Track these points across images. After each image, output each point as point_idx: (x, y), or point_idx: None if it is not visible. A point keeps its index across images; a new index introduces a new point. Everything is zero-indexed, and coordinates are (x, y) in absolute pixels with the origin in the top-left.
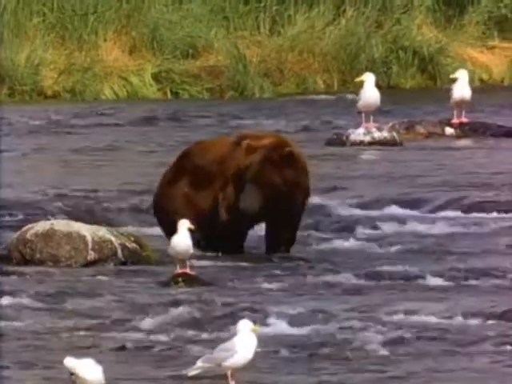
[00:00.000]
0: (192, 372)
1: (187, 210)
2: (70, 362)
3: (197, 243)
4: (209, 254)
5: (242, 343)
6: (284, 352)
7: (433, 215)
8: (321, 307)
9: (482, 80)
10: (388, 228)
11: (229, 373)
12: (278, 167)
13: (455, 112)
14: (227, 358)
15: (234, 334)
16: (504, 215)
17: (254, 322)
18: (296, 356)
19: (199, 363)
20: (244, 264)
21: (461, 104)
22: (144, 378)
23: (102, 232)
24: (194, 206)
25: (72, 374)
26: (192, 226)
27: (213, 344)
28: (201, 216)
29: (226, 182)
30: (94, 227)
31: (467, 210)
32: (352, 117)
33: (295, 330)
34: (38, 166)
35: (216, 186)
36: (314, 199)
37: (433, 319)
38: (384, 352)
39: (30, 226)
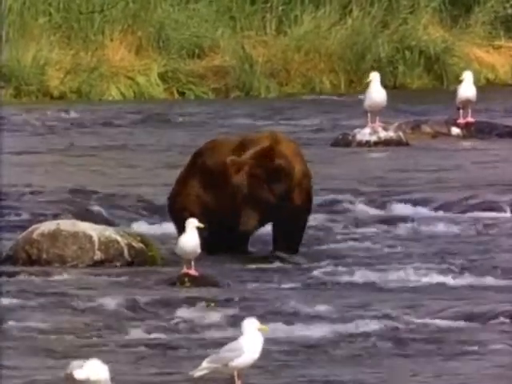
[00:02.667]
0: (198, 373)
1: (197, 209)
2: (77, 365)
3: (205, 242)
4: (216, 253)
5: (249, 343)
6: (290, 351)
7: (439, 215)
8: (326, 307)
9: (488, 80)
10: (394, 227)
11: (235, 373)
12: (266, 183)
13: (461, 112)
14: (234, 358)
15: (241, 334)
16: (510, 215)
17: (260, 321)
18: (302, 355)
19: (205, 364)
20: (250, 264)
21: (466, 104)
22: (150, 379)
23: (109, 232)
24: (203, 205)
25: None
26: (200, 225)
27: (219, 344)
28: (209, 215)
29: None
30: (101, 227)
31: (473, 209)
32: (358, 117)
33: (302, 330)
34: (44, 166)
35: (223, 188)
36: (321, 199)
37: (439, 319)
38: (389, 352)
39: (36, 226)
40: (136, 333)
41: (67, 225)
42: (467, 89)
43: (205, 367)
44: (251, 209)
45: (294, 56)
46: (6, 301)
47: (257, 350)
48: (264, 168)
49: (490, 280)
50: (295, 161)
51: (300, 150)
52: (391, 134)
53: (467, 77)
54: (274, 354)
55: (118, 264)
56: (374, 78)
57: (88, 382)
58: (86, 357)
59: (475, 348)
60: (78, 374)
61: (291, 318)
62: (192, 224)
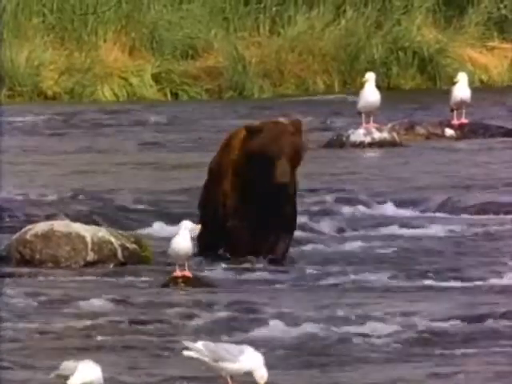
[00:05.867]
0: (188, 352)
1: (203, 208)
2: (67, 365)
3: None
4: (209, 254)
5: (246, 356)
6: (284, 353)
7: (432, 216)
8: (321, 308)
9: (481, 81)
10: (387, 228)
11: (228, 376)
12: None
13: (455, 113)
14: (225, 361)
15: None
16: (504, 216)
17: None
18: (296, 357)
19: (200, 346)
20: (244, 265)
21: (460, 105)
22: (143, 379)
23: (102, 233)
24: (208, 202)
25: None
26: (196, 227)
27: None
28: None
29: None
30: (94, 228)
31: (467, 210)
32: (352, 118)
33: (294, 331)
34: (37, 167)
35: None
36: (314, 200)
37: (432, 320)
38: (386, 353)
39: (29, 226)
40: (129, 333)
41: (60, 226)
42: (461, 90)
43: (198, 349)
44: (286, 159)
45: (287, 57)
46: None
47: (251, 365)
48: (287, 123)
49: (485, 281)
50: None
51: None
52: (385, 134)
53: (462, 78)
54: (268, 356)
55: (112, 265)
56: (370, 78)
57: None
58: (79, 357)
59: (474, 349)
60: (73, 381)
61: (284, 319)
62: (185, 226)
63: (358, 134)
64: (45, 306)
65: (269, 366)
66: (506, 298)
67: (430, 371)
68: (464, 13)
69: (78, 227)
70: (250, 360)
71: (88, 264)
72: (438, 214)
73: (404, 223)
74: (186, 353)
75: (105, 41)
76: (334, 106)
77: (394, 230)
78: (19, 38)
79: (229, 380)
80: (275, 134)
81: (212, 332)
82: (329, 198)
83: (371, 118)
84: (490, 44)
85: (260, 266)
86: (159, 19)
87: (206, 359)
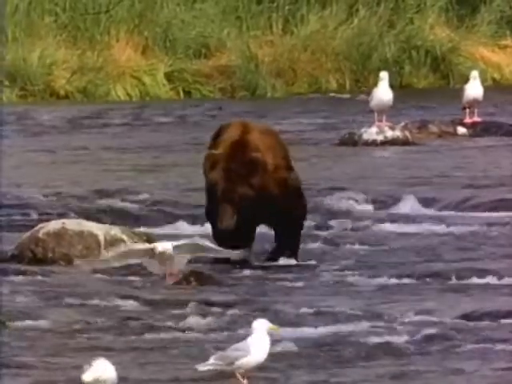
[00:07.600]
0: (203, 368)
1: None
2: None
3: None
4: (220, 254)
5: (256, 344)
6: (293, 351)
7: (445, 214)
8: (328, 307)
9: (494, 79)
10: (400, 227)
11: (240, 373)
12: (242, 177)
13: (467, 111)
14: (239, 358)
15: (249, 334)
16: None
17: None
18: (303, 356)
19: (212, 360)
20: (254, 264)
21: (473, 104)
22: (156, 377)
23: (114, 231)
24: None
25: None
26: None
27: (224, 343)
28: None
29: None
30: (107, 226)
31: (479, 208)
32: (365, 116)
33: (305, 330)
34: (50, 165)
35: None
36: (327, 198)
37: (441, 319)
38: (391, 352)
39: (41, 225)
40: (142, 332)
41: (73, 224)
42: (474, 88)
43: (211, 363)
44: (229, 205)
45: (300, 55)
46: (11, 299)
47: (263, 352)
48: (239, 161)
49: (494, 280)
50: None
51: (275, 142)
52: (397, 133)
53: (474, 76)
54: (278, 354)
55: (124, 263)
56: (384, 77)
57: (96, 383)
58: (92, 356)
59: (478, 348)
60: (86, 378)
61: (294, 317)
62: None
63: (371, 133)
64: (56, 305)
65: (280, 365)
66: None
67: (441, 369)
68: (476, 11)
69: (91, 226)
70: (259, 344)
71: (100, 262)
72: (450, 212)
73: (416, 221)
74: (201, 369)
75: (117, 40)
76: (346, 105)
77: (405, 227)
78: (32, 37)
79: (239, 377)
80: (227, 173)
81: (224, 329)
82: (341, 195)
83: (384, 117)
84: (503, 42)
85: (272, 264)
86: (172, 18)
87: (222, 368)
